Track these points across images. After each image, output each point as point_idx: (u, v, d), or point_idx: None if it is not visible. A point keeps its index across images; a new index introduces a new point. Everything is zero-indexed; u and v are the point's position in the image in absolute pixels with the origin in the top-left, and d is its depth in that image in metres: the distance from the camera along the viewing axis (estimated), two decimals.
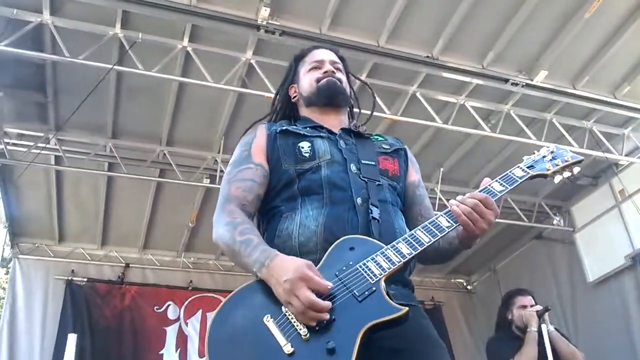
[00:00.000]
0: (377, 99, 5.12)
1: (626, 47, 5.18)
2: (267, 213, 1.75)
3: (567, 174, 1.77)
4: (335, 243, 1.55)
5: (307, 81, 1.99)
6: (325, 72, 1.96)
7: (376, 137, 1.97)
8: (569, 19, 4.90)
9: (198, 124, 5.78)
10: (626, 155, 6.23)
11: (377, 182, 1.75)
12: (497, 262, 8.75)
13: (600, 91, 5.65)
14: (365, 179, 1.73)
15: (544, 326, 3.68)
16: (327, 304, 1.39)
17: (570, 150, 1.81)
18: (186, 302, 7.87)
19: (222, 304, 1.46)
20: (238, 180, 1.74)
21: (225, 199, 1.72)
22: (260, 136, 1.85)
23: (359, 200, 1.66)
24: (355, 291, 1.43)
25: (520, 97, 5.58)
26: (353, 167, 1.74)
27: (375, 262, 1.49)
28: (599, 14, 4.78)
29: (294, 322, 1.38)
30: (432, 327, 1.63)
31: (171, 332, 7.69)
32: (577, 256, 7.23)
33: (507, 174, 1.71)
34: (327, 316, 1.37)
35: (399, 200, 1.82)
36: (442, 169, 6.39)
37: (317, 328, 1.37)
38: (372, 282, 1.44)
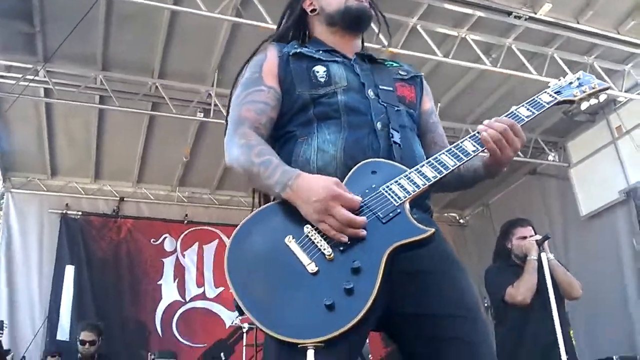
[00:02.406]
0: (377, 30, 4.98)
1: None
2: (280, 138, 1.66)
3: (593, 100, 1.76)
4: (357, 166, 1.50)
5: None
6: None
7: (390, 63, 1.87)
8: None
9: (191, 55, 5.61)
10: (626, 92, 6.16)
11: (396, 108, 1.67)
12: (491, 197, 8.82)
13: (604, 26, 5.51)
14: (385, 104, 1.65)
15: (543, 254, 3.70)
16: (364, 219, 1.37)
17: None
18: (182, 235, 7.95)
19: (239, 227, 1.41)
20: (249, 103, 1.63)
21: (237, 121, 1.61)
22: (271, 58, 1.72)
23: (379, 125, 1.59)
24: (379, 213, 1.40)
25: (522, 30, 5.43)
26: (371, 93, 1.66)
27: (399, 185, 1.45)
28: None
29: (317, 242, 1.35)
30: (452, 250, 1.61)
31: (169, 263, 7.81)
32: (571, 191, 7.29)
33: (534, 99, 1.65)
34: (364, 232, 1.36)
35: (415, 127, 1.76)
36: (439, 104, 6.29)
37: (341, 248, 1.35)
38: (397, 204, 1.42)
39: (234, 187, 8.23)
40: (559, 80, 1.76)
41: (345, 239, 1.35)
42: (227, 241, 1.41)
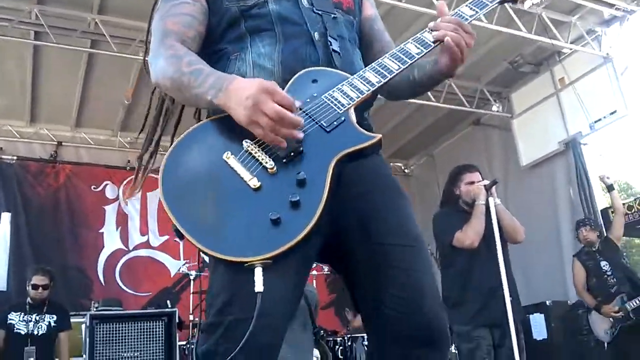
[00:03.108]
0: None
1: None
2: (210, 56, 1.52)
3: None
4: (296, 76, 1.42)
5: None
6: None
7: None
8: None
9: None
10: (571, 43, 6.28)
11: (332, 15, 1.57)
12: (435, 147, 8.96)
13: None
14: (320, 12, 1.54)
15: (491, 199, 3.77)
16: (300, 118, 1.28)
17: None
18: (125, 182, 7.71)
19: (171, 148, 1.31)
20: (174, 15, 1.49)
21: (162, 34, 1.48)
22: None
23: (316, 35, 1.50)
24: (322, 122, 1.33)
25: None
26: (304, 1, 1.54)
27: (341, 91, 1.39)
28: None
29: (258, 156, 1.28)
30: (395, 178, 1.58)
31: (110, 211, 7.62)
32: (513, 142, 7.48)
33: None
34: (300, 134, 1.28)
35: (356, 38, 1.66)
36: None
37: (284, 160, 1.28)
38: (340, 111, 1.35)
39: (179, 133, 7.95)
40: None
41: (284, 144, 1.26)
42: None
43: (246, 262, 1.17)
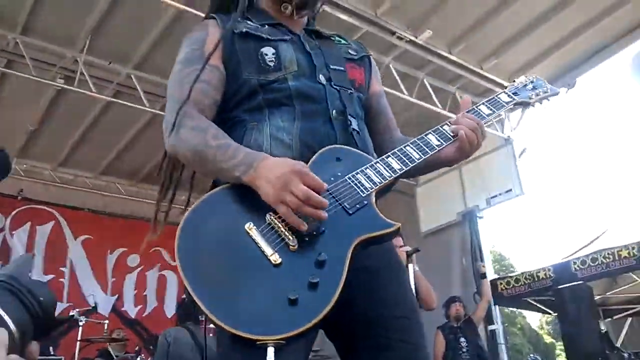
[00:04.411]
0: None
1: (498, 24, 5.56)
2: (225, 123, 1.48)
3: (546, 102, 1.83)
4: (321, 151, 1.42)
5: None
6: None
7: (339, 39, 1.73)
8: None
9: (64, 14, 5.08)
10: None
11: (349, 91, 1.57)
12: None
13: (470, 61, 6.06)
14: (337, 88, 1.55)
15: (410, 266, 3.89)
16: (325, 200, 1.28)
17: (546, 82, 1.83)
18: (14, 212, 7.17)
19: (190, 211, 1.28)
20: (193, 82, 1.46)
21: (179, 101, 1.44)
22: (213, 34, 1.53)
23: (334, 113, 1.50)
24: (345, 204, 1.33)
25: (401, 52, 5.75)
26: (322, 77, 1.54)
27: (365, 175, 1.39)
28: None
29: (281, 231, 1.26)
30: (395, 249, 1.59)
31: None
32: (415, 208, 7.85)
33: (494, 98, 1.67)
34: (325, 214, 1.27)
35: (364, 114, 1.66)
36: None
37: (306, 239, 1.26)
38: (363, 195, 1.36)
39: (80, 166, 7.62)
40: (514, 82, 1.79)
41: (304, 226, 1.25)
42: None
43: (259, 341, 1.14)
